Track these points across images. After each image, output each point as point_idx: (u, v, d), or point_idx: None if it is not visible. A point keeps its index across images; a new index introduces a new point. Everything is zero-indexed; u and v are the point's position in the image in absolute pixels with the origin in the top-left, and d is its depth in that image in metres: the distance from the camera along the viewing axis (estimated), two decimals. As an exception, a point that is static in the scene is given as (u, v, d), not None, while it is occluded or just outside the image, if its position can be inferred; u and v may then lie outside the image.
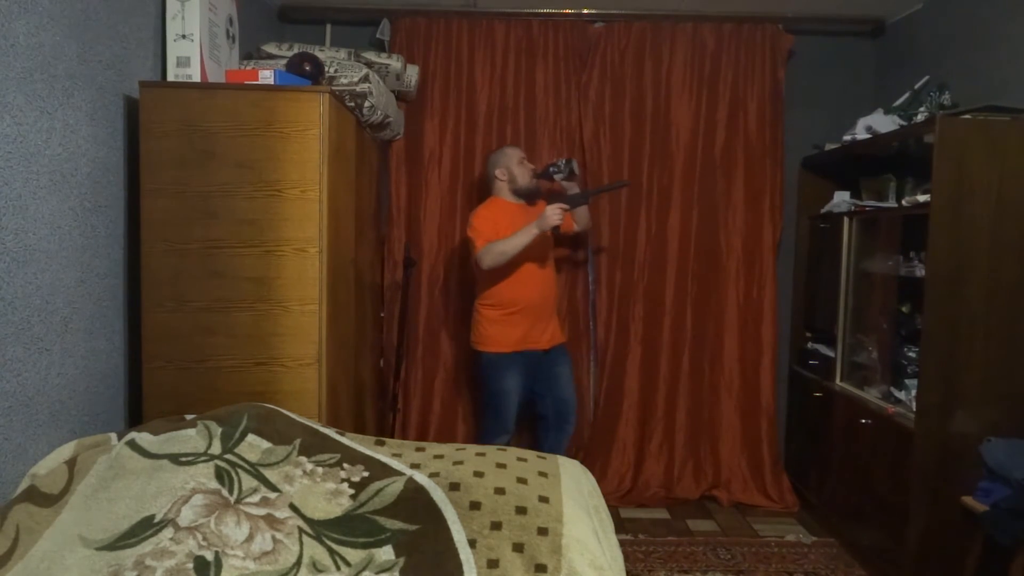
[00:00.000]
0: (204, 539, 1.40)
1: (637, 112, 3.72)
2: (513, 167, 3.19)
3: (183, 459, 1.58)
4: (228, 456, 1.61)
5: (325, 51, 2.97)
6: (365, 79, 2.68)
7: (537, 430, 3.48)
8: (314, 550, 1.45)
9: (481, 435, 3.34)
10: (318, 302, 2.16)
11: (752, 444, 3.76)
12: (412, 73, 3.45)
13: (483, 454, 1.79)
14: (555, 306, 3.34)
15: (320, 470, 1.64)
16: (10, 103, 1.65)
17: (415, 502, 1.57)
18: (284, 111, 2.12)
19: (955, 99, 3.01)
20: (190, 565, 1.34)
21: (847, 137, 3.33)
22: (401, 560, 1.45)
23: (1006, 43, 2.90)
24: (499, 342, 3.16)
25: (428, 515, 1.54)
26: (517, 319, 3.15)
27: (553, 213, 2.94)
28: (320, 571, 1.42)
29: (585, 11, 3.68)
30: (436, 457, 1.75)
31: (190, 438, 1.64)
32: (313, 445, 1.71)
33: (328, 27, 3.73)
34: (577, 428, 3.77)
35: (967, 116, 2.67)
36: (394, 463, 1.70)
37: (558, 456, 1.90)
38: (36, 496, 1.48)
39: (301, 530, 1.49)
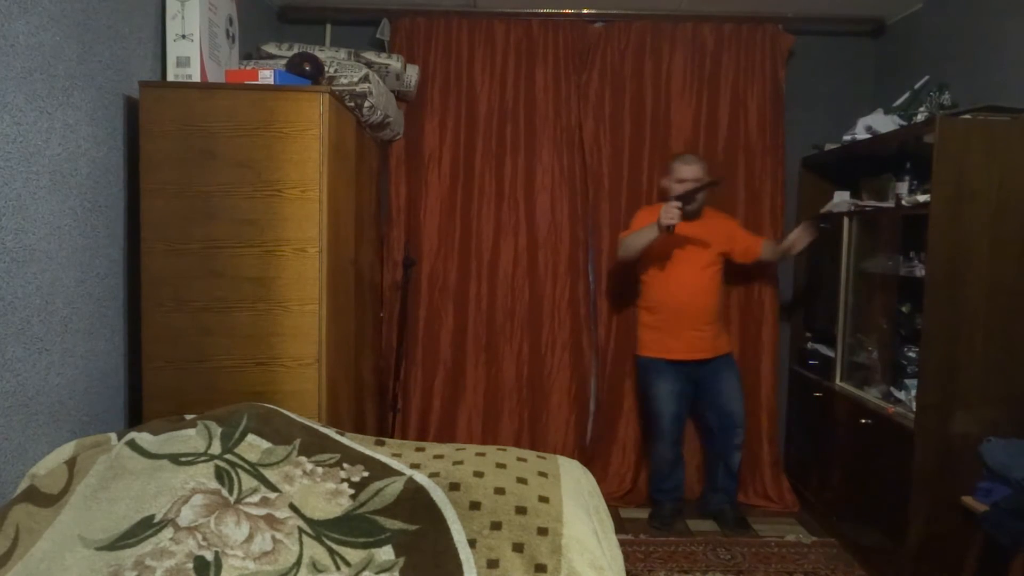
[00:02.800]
0: (204, 539, 1.40)
1: (637, 112, 3.72)
2: (671, 182, 3.29)
3: (183, 459, 1.58)
4: (228, 456, 1.61)
5: (325, 51, 2.97)
6: (365, 79, 2.68)
7: (702, 441, 3.61)
8: (314, 550, 1.45)
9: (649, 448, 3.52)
10: (318, 302, 2.16)
11: (753, 444, 3.75)
12: (412, 73, 3.45)
13: (483, 454, 1.79)
14: (714, 316, 3.35)
15: (320, 470, 1.64)
16: (10, 103, 1.65)
17: (415, 502, 1.57)
18: (284, 111, 2.12)
19: (955, 99, 3.01)
20: (190, 565, 1.34)
21: (847, 137, 3.33)
22: (401, 560, 1.45)
23: (1006, 43, 2.90)
24: (650, 347, 3.33)
25: (428, 515, 1.54)
26: (670, 325, 3.29)
27: (665, 212, 3.02)
28: (320, 571, 1.42)
29: (585, 11, 3.68)
30: (436, 457, 1.75)
31: (190, 438, 1.64)
32: (313, 445, 1.71)
33: (328, 27, 3.73)
34: (580, 429, 3.78)
35: (967, 116, 2.67)
36: (394, 463, 1.69)
37: (558, 456, 1.90)
38: (36, 496, 1.47)
39: (301, 530, 1.48)
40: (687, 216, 3.15)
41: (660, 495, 3.49)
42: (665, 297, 3.30)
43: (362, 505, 1.56)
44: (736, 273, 3.74)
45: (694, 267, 3.28)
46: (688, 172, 3.24)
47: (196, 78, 2.26)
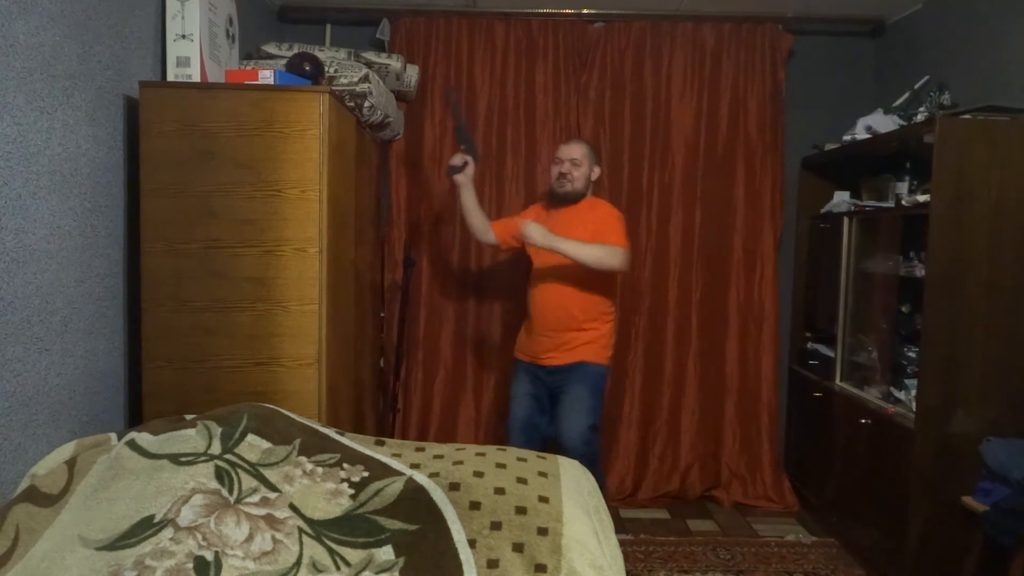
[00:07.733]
0: (204, 539, 1.40)
1: (637, 112, 3.72)
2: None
3: (183, 459, 1.58)
4: (228, 456, 1.61)
5: (325, 51, 2.97)
6: (365, 79, 2.68)
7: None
8: (314, 550, 1.45)
9: None
10: (318, 302, 2.16)
11: (753, 444, 3.76)
12: (412, 73, 3.45)
13: (483, 454, 1.79)
14: (567, 323, 2.91)
15: (320, 470, 1.64)
16: (10, 103, 1.65)
17: (415, 502, 1.57)
18: (284, 111, 2.12)
19: (955, 99, 3.01)
20: (190, 565, 1.34)
21: (847, 137, 3.33)
22: (401, 560, 1.45)
23: (1006, 43, 2.90)
24: (517, 349, 3.14)
25: (428, 515, 1.54)
26: (528, 326, 3.07)
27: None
28: (320, 571, 1.42)
29: (585, 11, 3.68)
30: (436, 457, 1.75)
31: (190, 438, 1.64)
32: (313, 445, 1.71)
33: (328, 27, 3.73)
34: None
35: (967, 116, 2.67)
36: (394, 463, 1.69)
37: (558, 456, 1.90)
38: (36, 496, 1.47)
39: (301, 530, 1.48)
40: (560, 201, 2.96)
41: None
42: (529, 299, 3.05)
43: (362, 505, 1.56)
44: (736, 273, 3.75)
45: (551, 270, 2.90)
46: (563, 152, 2.99)
47: (196, 78, 2.26)
